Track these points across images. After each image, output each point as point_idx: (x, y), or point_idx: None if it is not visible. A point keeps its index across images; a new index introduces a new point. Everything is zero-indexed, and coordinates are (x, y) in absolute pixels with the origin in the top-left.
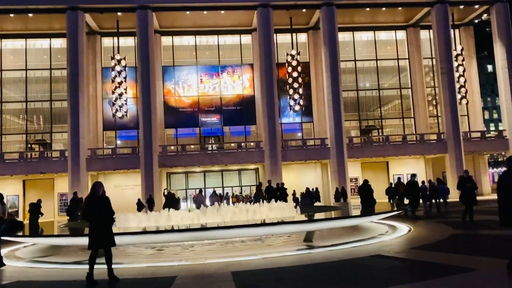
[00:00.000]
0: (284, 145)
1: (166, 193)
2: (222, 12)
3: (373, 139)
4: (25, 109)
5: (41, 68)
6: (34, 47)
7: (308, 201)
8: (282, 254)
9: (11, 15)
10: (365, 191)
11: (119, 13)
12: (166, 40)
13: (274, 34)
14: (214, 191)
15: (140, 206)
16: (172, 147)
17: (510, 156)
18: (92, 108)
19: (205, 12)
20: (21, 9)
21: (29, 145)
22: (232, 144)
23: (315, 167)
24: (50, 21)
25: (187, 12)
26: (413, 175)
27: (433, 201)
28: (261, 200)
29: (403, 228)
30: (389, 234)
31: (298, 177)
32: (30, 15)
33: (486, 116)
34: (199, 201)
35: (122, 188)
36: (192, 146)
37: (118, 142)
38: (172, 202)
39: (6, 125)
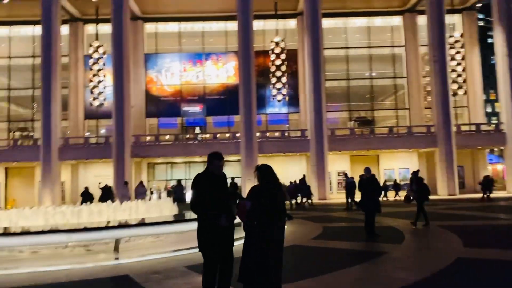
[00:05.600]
0: (263, 136)
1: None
2: None
3: (357, 132)
4: (7, 96)
5: (25, 56)
6: (19, 34)
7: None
8: (69, 267)
9: None
10: None
11: None
12: (149, 27)
13: (262, 21)
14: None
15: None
16: (148, 138)
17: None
18: (74, 97)
19: None
20: None
21: (12, 133)
22: (208, 135)
23: (299, 160)
24: (32, 8)
25: None
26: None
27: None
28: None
29: None
30: None
31: (281, 170)
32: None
33: (489, 109)
34: (120, 194)
35: (102, 178)
36: (168, 137)
37: (102, 131)
38: (106, 195)
39: None
